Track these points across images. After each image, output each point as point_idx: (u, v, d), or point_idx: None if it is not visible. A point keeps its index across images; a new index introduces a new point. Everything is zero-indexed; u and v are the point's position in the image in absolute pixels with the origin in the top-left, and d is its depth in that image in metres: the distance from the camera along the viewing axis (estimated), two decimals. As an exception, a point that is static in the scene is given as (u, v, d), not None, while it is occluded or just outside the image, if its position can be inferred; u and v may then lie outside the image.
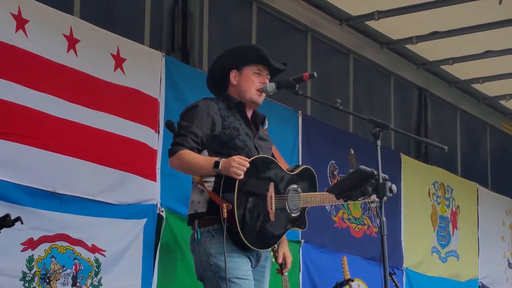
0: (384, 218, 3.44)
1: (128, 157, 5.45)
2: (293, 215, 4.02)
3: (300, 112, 7.20)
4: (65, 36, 5.14)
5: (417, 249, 8.56)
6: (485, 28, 7.65)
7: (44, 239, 4.89)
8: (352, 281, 6.61)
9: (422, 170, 8.91)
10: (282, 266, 4.24)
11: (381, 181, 3.45)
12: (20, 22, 4.86)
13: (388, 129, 3.60)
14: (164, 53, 5.89)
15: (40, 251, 4.86)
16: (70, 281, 5.01)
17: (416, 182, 8.66)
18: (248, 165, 3.75)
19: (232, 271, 3.78)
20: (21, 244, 4.77)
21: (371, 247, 7.73)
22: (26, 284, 4.77)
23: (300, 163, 6.96)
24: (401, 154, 8.54)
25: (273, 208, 3.90)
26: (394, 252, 7.97)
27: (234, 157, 3.75)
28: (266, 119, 6.68)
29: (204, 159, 3.85)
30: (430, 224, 8.92)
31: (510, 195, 10.52)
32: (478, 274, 9.57)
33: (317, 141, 7.33)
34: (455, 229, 9.34)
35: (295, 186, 4.04)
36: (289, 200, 3.99)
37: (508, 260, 10.23)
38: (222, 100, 4.06)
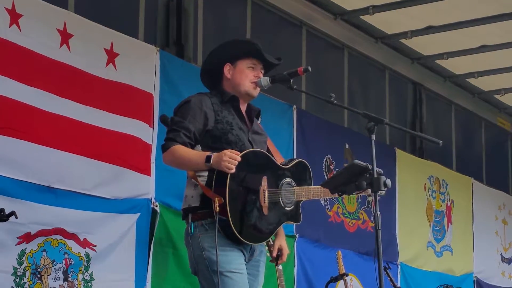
0: (378, 213, 3.45)
1: (122, 152, 5.45)
2: (287, 208, 4.01)
3: (294, 106, 7.20)
4: (58, 31, 5.14)
5: (412, 243, 8.57)
6: (480, 22, 7.65)
7: (40, 233, 4.89)
8: (347, 275, 6.61)
9: (417, 164, 8.91)
10: (277, 258, 4.23)
11: (375, 175, 3.45)
12: (14, 17, 4.85)
13: (383, 123, 3.60)
14: (158, 48, 5.88)
15: (33, 245, 4.86)
16: (61, 275, 5.00)
17: (411, 176, 8.67)
18: (239, 158, 3.74)
19: (224, 264, 3.78)
20: (17, 237, 4.76)
21: (365, 241, 7.73)
22: (17, 280, 4.76)
23: (295, 157, 6.97)
24: (396, 148, 8.54)
25: (266, 202, 3.89)
26: (388, 247, 7.98)
27: (225, 151, 3.75)
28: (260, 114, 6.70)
29: (196, 154, 3.85)
30: (425, 218, 8.94)
31: (505, 190, 10.54)
32: (473, 268, 9.59)
33: (312, 136, 7.33)
34: (449, 223, 9.35)
35: (288, 179, 4.03)
36: (283, 193, 3.98)
37: (501, 255, 10.26)
38: (215, 95, 4.06)
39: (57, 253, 5.00)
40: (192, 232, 3.87)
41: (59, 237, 5.01)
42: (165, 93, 5.81)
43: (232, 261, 3.81)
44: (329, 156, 7.55)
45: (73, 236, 5.09)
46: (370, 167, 3.46)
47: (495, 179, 10.60)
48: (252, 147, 3.99)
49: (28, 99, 4.89)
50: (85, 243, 5.15)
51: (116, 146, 5.44)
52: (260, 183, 3.89)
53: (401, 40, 8.38)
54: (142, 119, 5.62)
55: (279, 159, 4.12)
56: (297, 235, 6.93)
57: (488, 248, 9.95)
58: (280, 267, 4.60)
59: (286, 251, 4.22)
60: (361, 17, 7.83)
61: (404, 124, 9.20)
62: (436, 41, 8.19)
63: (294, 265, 6.90)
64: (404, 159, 8.59)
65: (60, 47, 5.13)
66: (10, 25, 4.83)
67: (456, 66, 9.01)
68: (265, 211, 3.90)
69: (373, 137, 3.55)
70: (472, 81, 9.52)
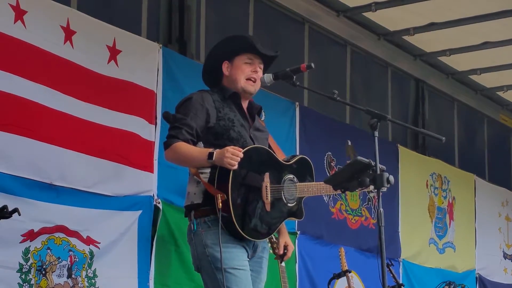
0: (381, 209, 3.45)
1: (124, 149, 5.45)
2: (289, 205, 4.01)
3: (297, 103, 7.20)
4: (62, 27, 5.14)
5: (414, 240, 8.57)
6: (483, 19, 7.64)
7: (43, 231, 4.90)
8: (350, 272, 6.61)
9: (419, 161, 8.91)
10: (283, 255, 4.24)
11: (378, 172, 3.45)
12: (19, 13, 4.85)
13: (385, 120, 3.61)
14: (161, 45, 5.88)
15: (37, 243, 4.87)
16: (65, 272, 5.01)
17: (413, 173, 8.67)
18: (241, 155, 3.74)
19: (228, 261, 3.78)
20: (21, 235, 4.77)
21: (367, 238, 7.74)
22: (23, 276, 4.77)
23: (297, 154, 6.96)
24: (398, 145, 8.54)
25: (269, 198, 3.89)
26: (391, 244, 7.98)
27: (227, 147, 3.75)
28: (263, 110, 6.69)
29: (198, 151, 3.85)
30: (427, 215, 8.93)
31: (507, 186, 10.54)
32: (475, 265, 9.59)
33: (314, 132, 7.33)
34: (451, 220, 9.35)
35: (291, 176, 4.04)
36: (285, 190, 3.99)
37: (503, 251, 10.25)
38: (217, 92, 4.07)
39: (61, 251, 5.01)
40: (195, 229, 3.88)
41: (61, 235, 5.01)
42: (167, 90, 5.81)
43: (235, 257, 3.81)
44: (329, 153, 7.54)
45: (75, 234, 5.09)
46: (373, 163, 3.47)
47: (498, 176, 10.59)
48: (254, 144, 3.99)
49: (31, 96, 4.90)
50: (88, 240, 5.16)
51: (118, 143, 5.44)
52: (263, 179, 3.90)
53: (403, 37, 8.37)
54: (144, 116, 5.62)
55: (280, 156, 4.13)
56: (298, 232, 6.93)
57: (490, 245, 9.94)
58: (283, 264, 4.61)
59: (291, 248, 4.23)
60: (363, 14, 7.82)
61: (406, 121, 9.20)
62: (439, 37, 8.18)
63: (296, 262, 6.90)
64: (406, 156, 8.59)
65: (64, 43, 5.13)
66: (15, 21, 4.84)
67: (458, 62, 9.00)
68: (268, 207, 3.90)
69: (376, 133, 3.55)
70: (474, 77, 9.51)
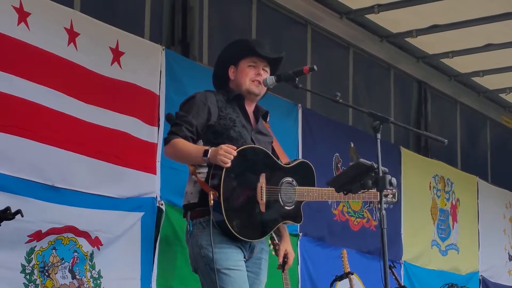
0: (384, 212, 3.45)
1: (126, 151, 5.46)
2: (286, 208, 3.99)
3: (300, 105, 7.20)
4: (65, 29, 5.15)
5: (416, 242, 8.56)
6: (486, 21, 7.64)
7: (52, 231, 4.91)
8: (352, 274, 6.61)
9: (422, 163, 8.91)
10: (284, 263, 4.22)
11: (381, 174, 3.45)
12: (22, 15, 4.86)
13: (388, 122, 3.60)
14: (164, 47, 5.89)
15: (44, 243, 4.87)
16: (68, 274, 5.02)
17: (416, 175, 8.66)
18: (235, 153, 3.74)
19: (222, 262, 3.78)
20: (28, 236, 4.77)
21: (369, 240, 7.73)
22: (28, 277, 4.78)
23: (300, 156, 6.97)
24: (401, 147, 8.54)
25: (264, 199, 3.88)
26: (393, 246, 7.97)
27: (222, 145, 3.76)
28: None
29: (195, 148, 3.86)
30: (430, 217, 8.93)
31: (510, 189, 10.53)
32: (479, 267, 9.58)
33: (317, 134, 7.33)
34: (455, 222, 9.34)
35: (289, 179, 4.01)
36: (283, 192, 3.96)
37: (508, 253, 10.25)
38: (222, 93, 4.09)
39: (66, 251, 5.02)
40: (191, 230, 3.90)
41: (70, 235, 5.02)
42: (170, 92, 5.81)
43: (229, 258, 3.81)
44: (337, 154, 7.55)
45: (84, 234, 5.10)
46: (375, 166, 3.46)
47: (500, 178, 10.58)
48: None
49: (34, 97, 4.90)
50: (96, 241, 5.17)
51: (121, 145, 5.45)
52: (258, 179, 3.89)
53: (406, 39, 8.37)
54: (147, 118, 5.63)
55: (285, 161, 4.12)
56: (300, 234, 6.94)
57: (495, 247, 9.94)
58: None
59: (292, 256, 4.21)
60: (366, 16, 7.83)
61: (409, 123, 9.20)
62: (441, 39, 8.18)
63: (298, 264, 6.90)
64: (409, 158, 8.59)
65: (67, 45, 5.14)
66: (19, 23, 4.84)
67: (461, 64, 9.00)
68: (263, 208, 3.89)
69: (379, 135, 3.55)
70: (477, 79, 9.51)
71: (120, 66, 5.49)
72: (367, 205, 7.92)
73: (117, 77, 5.47)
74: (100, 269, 5.20)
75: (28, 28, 4.89)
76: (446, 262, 9.03)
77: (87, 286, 5.09)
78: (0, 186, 4.65)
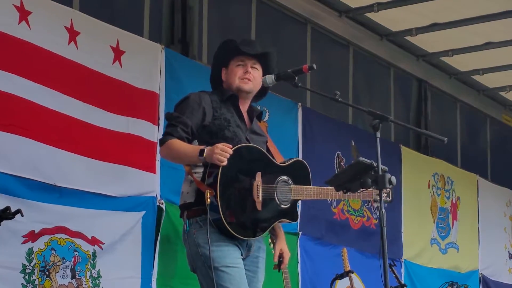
0: (383, 210, 3.45)
1: (126, 150, 5.46)
2: (282, 206, 4.00)
3: (300, 104, 7.20)
4: (66, 28, 5.14)
5: (416, 240, 8.56)
6: (485, 19, 7.64)
7: (44, 232, 4.90)
8: (352, 273, 6.62)
9: (422, 161, 8.91)
10: (279, 263, 4.22)
11: (380, 172, 3.45)
12: (23, 14, 4.86)
13: (387, 121, 3.61)
14: (163, 46, 5.89)
15: (40, 244, 4.87)
16: (69, 273, 5.02)
17: (416, 173, 8.67)
18: (231, 152, 3.75)
19: (219, 259, 3.79)
20: (22, 236, 4.77)
21: (369, 239, 7.73)
22: (26, 277, 4.78)
23: (300, 155, 6.99)
24: (401, 145, 8.54)
25: (260, 197, 3.89)
26: (393, 244, 7.97)
27: (217, 144, 3.77)
28: (268, 112, 6.71)
29: (191, 148, 3.88)
30: (429, 215, 8.93)
31: (510, 187, 10.53)
32: (479, 265, 9.59)
33: (317, 133, 7.33)
34: (454, 220, 9.34)
35: (285, 177, 4.03)
36: (278, 191, 3.98)
37: (508, 251, 10.25)
38: (216, 93, 4.12)
39: (66, 251, 5.01)
40: (188, 229, 3.91)
41: (64, 235, 5.02)
42: (170, 91, 5.81)
43: (227, 255, 3.81)
44: (339, 152, 7.56)
45: (78, 234, 5.10)
46: (375, 164, 3.47)
47: (500, 176, 10.58)
48: None
49: (34, 97, 4.90)
50: (94, 241, 5.17)
51: (121, 144, 5.45)
52: (254, 178, 3.90)
53: (406, 37, 8.37)
54: (147, 117, 5.63)
55: (279, 159, 4.13)
56: (300, 233, 6.94)
57: (495, 245, 9.94)
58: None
59: (287, 255, 4.21)
60: (366, 14, 7.83)
61: (408, 121, 9.20)
62: (441, 38, 8.18)
63: (298, 263, 6.90)
64: (409, 156, 8.59)
65: (68, 44, 5.14)
66: (20, 22, 4.84)
67: (461, 63, 9.00)
68: (259, 206, 3.90)
69: (378, 134, 3.55)
70: (477, 78, 9.51)
71: (121, 65, 5.49)
72: (366, 204, 7.92)
73: (117, 77, 5.47)
74: (99, 269, 5.20)
75: (29, 27, 4.89)
76: (446, 260, 9.03)
77: (86, 286, 5.09)
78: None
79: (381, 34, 8.29)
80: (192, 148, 3.86)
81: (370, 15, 7.81)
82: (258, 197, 3.89)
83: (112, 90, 5.42)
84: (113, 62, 5.45)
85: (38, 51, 4.95)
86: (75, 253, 5.07)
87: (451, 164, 9.50)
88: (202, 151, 3.78)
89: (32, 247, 4.82)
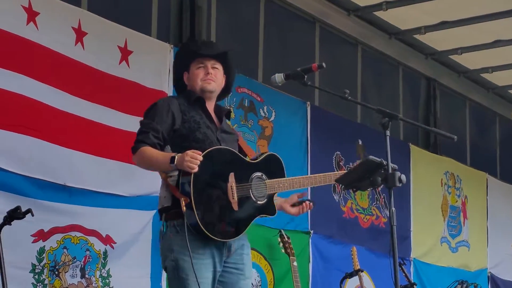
0: (393, 209, 3.44)
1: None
2: (259, 202, 4.01)
3: (308, 102, 7.20)
4: (73, 29, 5.16)
5: (425, 239, 8.55)
6: (495, 17, 7.62)
7: (56, 230, 4.91)
8: (362, 271, 6.62)
9: (431, 160, 8.90)
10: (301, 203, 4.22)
11: (390, 171, 3.45)
12: (31, 15, 4.88)
13: (397, 119, 3.60)
14: (172, 45, 5.90)
15: (52, 242, 4.88)
16: (78, 272, 5.03)
17: (425, 172, 8.65)
18: (200, 158, 3.76)
19: (189, 271, 3.79)
20: (31, 235, 4.78)
21: (378, 238, 7.73)
22: (36, 276, 4.80)
23: (309, 154, 7.00)
24: (410, 144, 8.53)
25: (235, 197, 3.90)
26: (402, 243, 7.97)
27: (187, 151, 3.78)
28: (274, 111, 6.71)
29: (162, 156, 3.89)
30: (440, 214, 8.92)
31: (519, 185, 10.51)
32: (487, 264, 9.57)
33: (325, 132, 7.33)
34: (465, 219, 9.33)
35: (259, 173, 4.04)
36: (253, 188, 3.99)
37: (516, 249, 10.23)
38: (183, 97, 4.14)
39: (78, 250, 5.03)
40: (164, 231, 3.94)
41: (78, 233, 5.03)
42: (178, 90, 5.81)
43: (197, 269, 3.80)
44: (338, 152, 7.54)
45: (94, 233, 5.11)
46: (384, 162, 3.46)
47: (510, 174, 10.56)
48: (221, 145, 4.02)
49: (42, 97, 4.92)
50: (107, 240, 5.18)
51: (130, 143, 5.43)
52: (227, 179, 3.91)
53: (414, 36, 8.35)
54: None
55: (251, 155, 4.15)
56: (311, 231, 6.94)
57: (503, 243, 9.91)
58: (295, 263, 4.61)
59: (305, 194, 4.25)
60: (374, 13, 7.82)
61: (418, 120, 9.18)
62: (450, 36, 8.16)
63: (309, 261, 6.90)
64: (418, 155, 8.58)
65: (75, 45, 5.15)
66: (28, 23, 4.86)
67: (470, 61, 8.98)
68: (235, 206, 3.91)
69: (388, 132, 3.55)
70: (486, 76, 9.48)
71: (128, 65, 5.50)
72: (375, 202, 7.92)
73: (125, 76, 5.48)
74: (109, 268, 5.21)
75: (37, 28, 4.90)
76: (455, 259, 9.01)
77: (96, 285, 5.10)
78: (8, 185, 4.66)
79: (390, 32, 8.27)
80: (163, 156, 3.87)
81: (378, 13, 7.80)
82: (233, 198, 3.90)
83: (120, 89, 5.44)
84: (120, 62, 5.46)
85: (47, 52, 4.96)
86: (87, 252, 5.08)
87: (460, 163, 9.48)
88: (173, 159, 3.79)
89: (44, 245, 4.83)
